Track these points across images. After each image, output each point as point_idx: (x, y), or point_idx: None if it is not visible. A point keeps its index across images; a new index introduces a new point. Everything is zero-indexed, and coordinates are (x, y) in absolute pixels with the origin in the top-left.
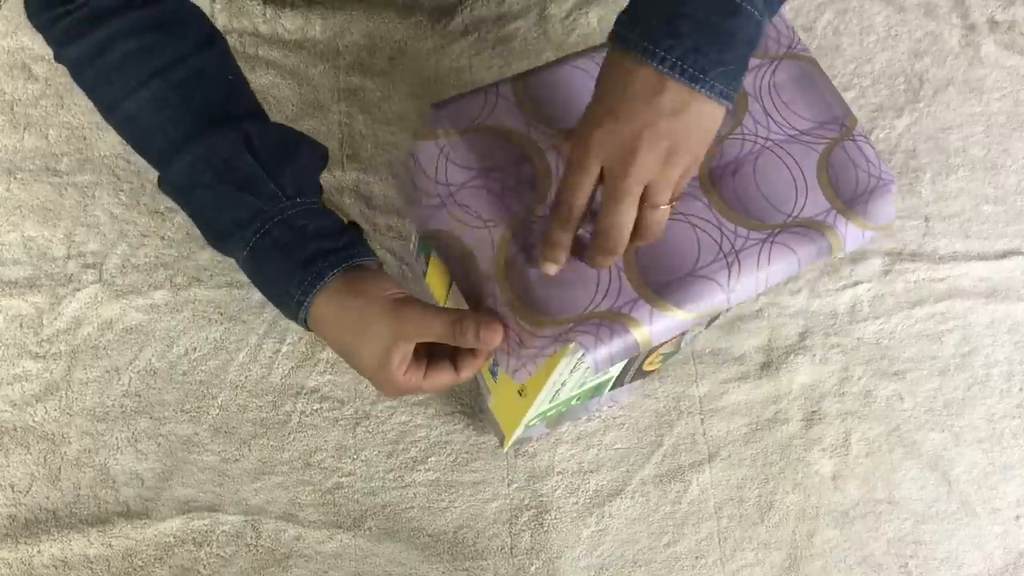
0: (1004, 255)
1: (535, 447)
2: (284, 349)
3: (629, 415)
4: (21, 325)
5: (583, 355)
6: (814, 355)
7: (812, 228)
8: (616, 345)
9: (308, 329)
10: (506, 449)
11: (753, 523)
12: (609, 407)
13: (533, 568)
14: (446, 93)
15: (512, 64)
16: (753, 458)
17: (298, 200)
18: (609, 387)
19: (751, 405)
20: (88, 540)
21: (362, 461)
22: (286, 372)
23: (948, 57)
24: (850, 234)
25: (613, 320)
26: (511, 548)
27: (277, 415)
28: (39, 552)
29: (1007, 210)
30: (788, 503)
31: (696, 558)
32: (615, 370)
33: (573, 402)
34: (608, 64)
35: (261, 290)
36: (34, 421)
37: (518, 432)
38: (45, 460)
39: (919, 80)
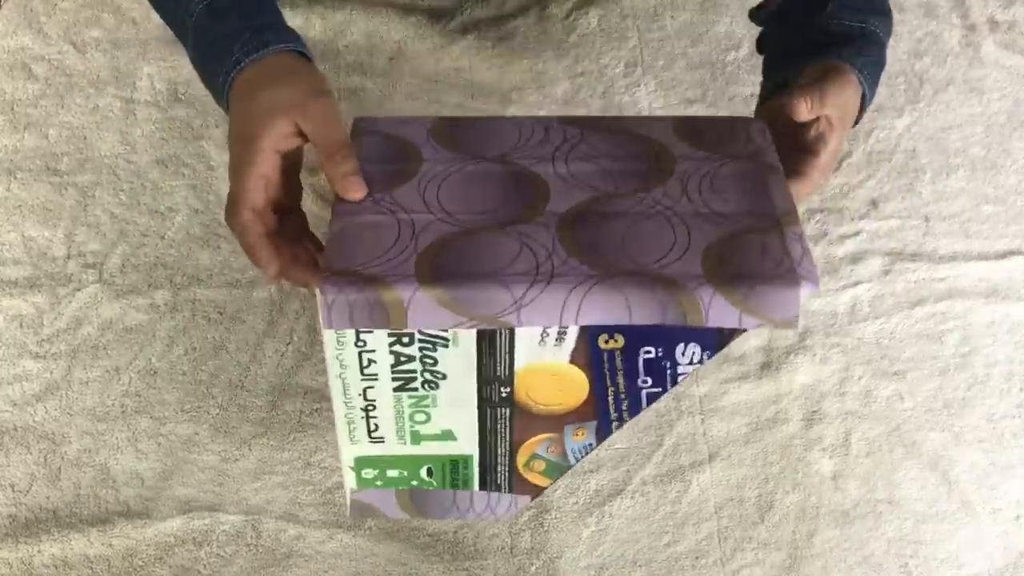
0: (1004, 255)
1: None
2: (284, 349)
3: None
4: (21, 325)
5: (327, 311)
6: (814, 355)
7: (663, 283)
8: (358, 300)
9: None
10: (347, 499)
11: (753, 523)
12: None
13: (533, 568)
14: (446, 93)
15: (512, 64)
16: (753, 458)
17: None
18: (477, 483)
19: (751, 405)
20: (88, 540)
21: None
22: (286, 372)
23: (948, 57)
24: (715, 307)
25: (373, 282)
26: (511, 548)
27: (277, 415)
28: (39, 552)
29: (1007, 210)
30: (788, 503)
31: (696, 558)
32: (468, 444)
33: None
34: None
35: (202, 53)
36: (34, 421)
37: (349, 475)
38: (45, 460)
39: (919, 80)
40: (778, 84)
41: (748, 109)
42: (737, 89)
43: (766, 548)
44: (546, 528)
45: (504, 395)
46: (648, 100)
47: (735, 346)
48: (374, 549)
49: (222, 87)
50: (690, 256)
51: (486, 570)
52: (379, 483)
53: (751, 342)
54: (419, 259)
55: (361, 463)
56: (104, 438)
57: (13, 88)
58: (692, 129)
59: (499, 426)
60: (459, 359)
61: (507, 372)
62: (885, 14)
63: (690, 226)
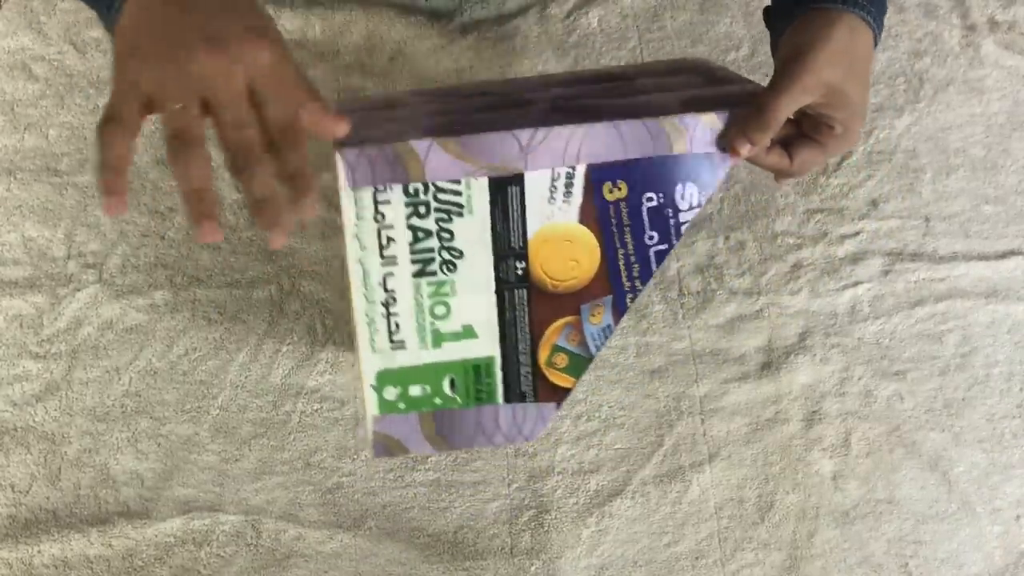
0: (1004, 255)
1: (535, 447)
2: (284, 349)
3: (629, 415)
4: (21, 325)
5: (349, 169)
6: (814, 355)
7: (651, 115)
8: (378, 155)
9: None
10: (368, 433)
11: (753, 523)
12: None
13: (533, 568)
14: None
15: (512, 64)
16: (753, 458)
17: None
18: (501, 393)
19: (751, 405)
20: (88, 540)
21: (362, 461)
22: (286, 372)
23: (948, 57)
24: (699, 132)
25: (390, 140)
26: (511, 548)
27: (277, 415)
28: (39, 552)
29: (1007, 210)
30: (788, 503)
31: (696, 558)
32: (488, 341)
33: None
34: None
35: None
36: (34, 421)
37: (371, 399)
38: (45, 460)
39: (919, 80)
40: (780, 34)
41: None
42: None
43: (766, 548)
44: (546, 528)
45: (520, 272)
46: None
47: (735, 346)
48: (374, 549)
49: None
50: (671, 107)
51: (486, 570)
52: (402, 406)
53: (751, 342)
54: (428, 128)
55: (383, 379)
56: (104, 438)
57: (13, 88)
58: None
59: (518, 313)
60: (474, 229)
61: (521, 241)
62: None
63: (668, 99)
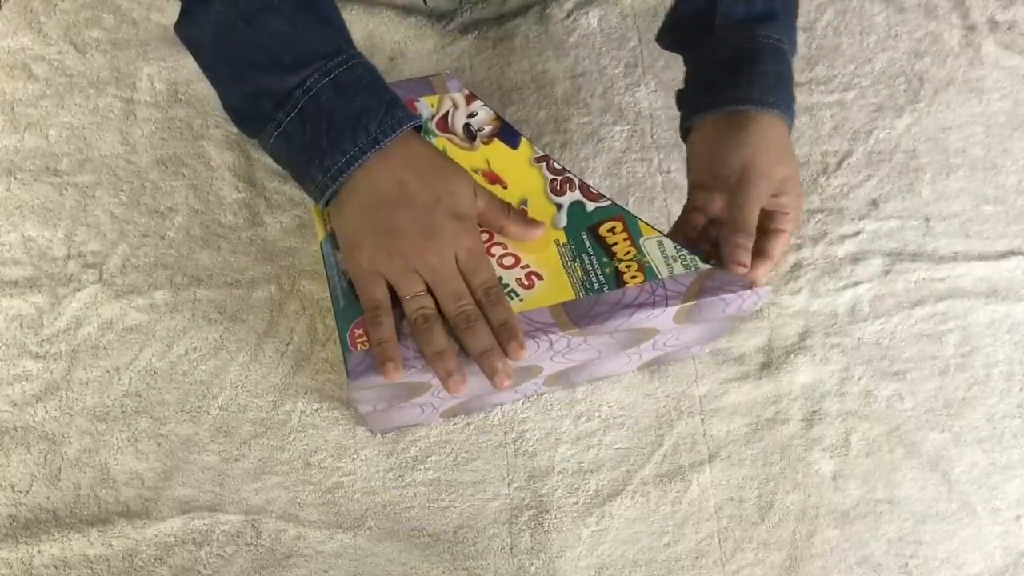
0: (1004, 255)
1: (535, 447)
2: (284, 349)
3: (629, 415)
4: (21, 325)
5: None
6: (814, 355)
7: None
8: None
9: (331, 186)
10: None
11: (753, 523)
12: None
13: (533, 568)
14: None
15: (512, 64)
16: (753, 458)
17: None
18: None
19: (751, 405)
20: (88, 540)
21: (362, 460)
22: (286, 372)
23: (948, 57)
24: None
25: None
26: (511, 548)
27: (277, 415)
28: (39, 552)
29: (1007, 210)
30: (788, 503)
31: (696, 558)
32: None
33: None
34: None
35: (317, 132)
36: (34, 421)
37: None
38: (45, 460)
39: (919, 80)
40: (687, 129)
41: None
42: None
43: (766, 548)
44: (546, 528)
45: None
46: (648, 100)
47: (735, 346)
48: (374, 549)
49: (344, 167)
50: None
51: (486, 570)
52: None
53: (751, 342)
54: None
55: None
56: (104, 438)
57: (13, 88)
58: (691, 313)
59: None
60: None
61: None
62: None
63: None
